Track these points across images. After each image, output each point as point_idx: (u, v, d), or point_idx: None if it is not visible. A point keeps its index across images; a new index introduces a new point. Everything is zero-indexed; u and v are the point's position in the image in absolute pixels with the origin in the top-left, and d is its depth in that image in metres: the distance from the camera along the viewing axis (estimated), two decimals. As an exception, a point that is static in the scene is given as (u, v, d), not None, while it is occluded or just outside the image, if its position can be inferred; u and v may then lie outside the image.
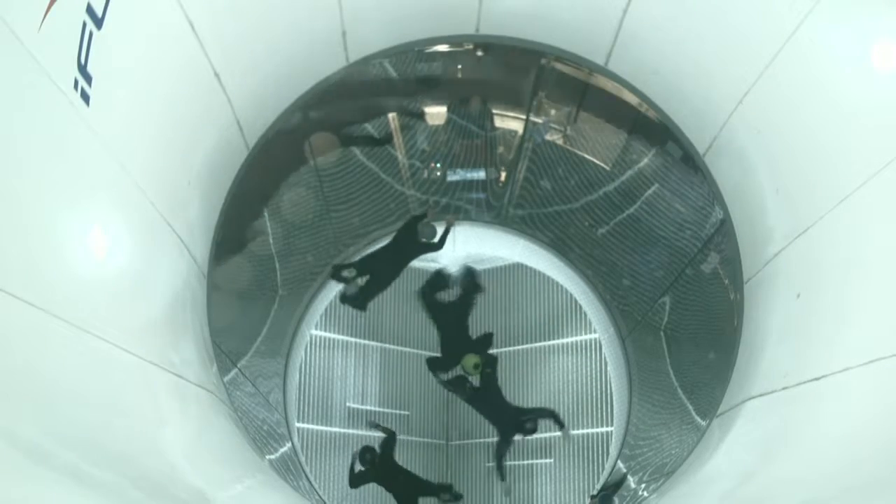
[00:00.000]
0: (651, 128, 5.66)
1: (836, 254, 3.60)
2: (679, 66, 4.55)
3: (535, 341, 10.03)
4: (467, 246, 8.73)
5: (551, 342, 9.93)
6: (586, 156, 6.88)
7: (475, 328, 8.71)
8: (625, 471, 7.39)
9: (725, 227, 5.00)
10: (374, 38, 5.03)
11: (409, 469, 7.58)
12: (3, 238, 2.35)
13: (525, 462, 9.99)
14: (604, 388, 9.39)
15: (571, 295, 9.24)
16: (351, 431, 9.38)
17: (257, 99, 4.68)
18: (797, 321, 3.94)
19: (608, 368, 9.10)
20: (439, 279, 7.38)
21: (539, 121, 6.81)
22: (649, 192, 6.43)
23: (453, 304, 7.46)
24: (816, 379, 3.40)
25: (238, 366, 6.05)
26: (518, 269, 9.97)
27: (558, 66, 5.75)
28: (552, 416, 7.70)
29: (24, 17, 2.40)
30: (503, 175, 7.62)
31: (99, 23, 2.83)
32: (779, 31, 3.66)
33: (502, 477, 7.77)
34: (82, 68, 2.76)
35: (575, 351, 9.79)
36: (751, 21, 3.86)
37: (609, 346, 8.56)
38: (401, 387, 10.14)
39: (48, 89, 2.57)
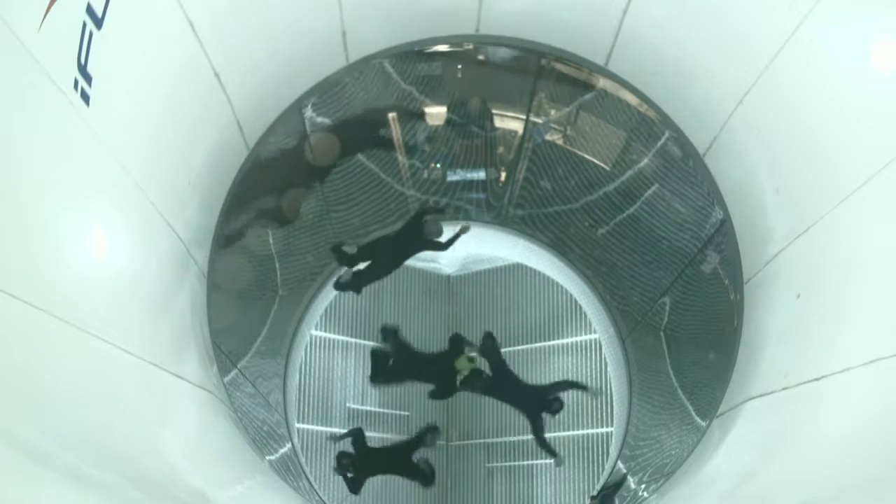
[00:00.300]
0: (651, 128, 5.66)
1: (836, 254, 3.60)
2: (679, 66, 4.55)
3: (535, 341, 10.03)
4: (467, 246, 8.73)
5: (551, 342, 9.93)
6: (586, 156, 6.88)
7: (475, 329, 8.72)
8: (625, 471, 7.38)
9: (725, 227, 5.00)
10: (374, 38, 5.03)
11: (385, 445, 7.52)
12: (3, 238, 2.35)
13: (525, 462, 10.00)
14: (604, 389, 9.40)
15: (571, 295, 9.24)
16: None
17: (257, 99, 4.68)
18: (797, 321, 3.94)
19: (608, 368, 9.10)
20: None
21: (539, 121, 6.81)
22: (649, 192, 6.43)
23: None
24: (816, 379, 3.40)
25: (238, 366, 6.05)
26: (518, 269, 9.98)
27: (558, 66, 5.75)
28: (572, 385, 7.63)
29: (24, 17, 2.40)
30: (503, 175, 7.61)
31: (99, 23, 2.83)
32: (779, 31, 3.66)
33: (553, 453, 7.68)
34: (82, 68, 2.76)
35: (575, 351, 9.80)
36: (751, 21, 3.86)
37: (609, 347, 8.55)
38: (401, 387, 10.13)
39: (48, 89, 2.57)
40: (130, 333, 3.24)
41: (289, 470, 6.92)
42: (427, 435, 7.43)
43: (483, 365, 7.26)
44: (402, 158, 7.36)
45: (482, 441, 10.24)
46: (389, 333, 7.13)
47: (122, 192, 3.28)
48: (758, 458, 3.77)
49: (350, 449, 7.21)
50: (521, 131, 6.93)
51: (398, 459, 7.32)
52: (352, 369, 9.92)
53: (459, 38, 5.27)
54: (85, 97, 2.79)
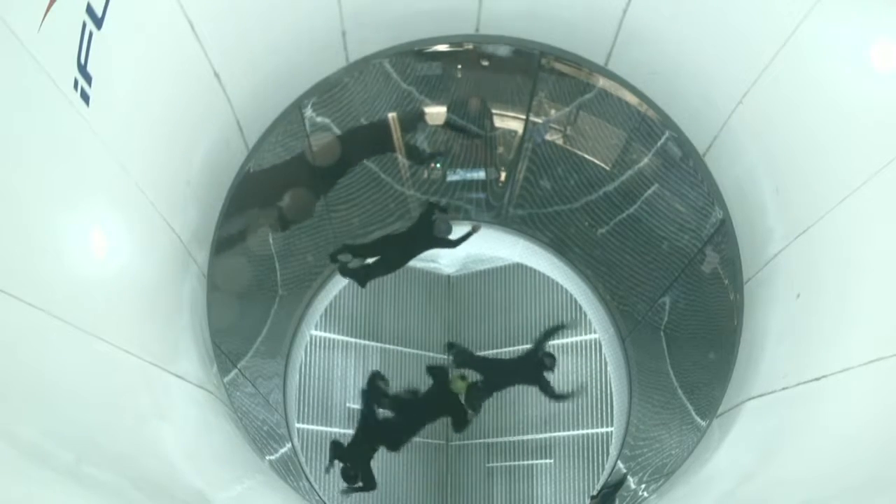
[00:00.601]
0: (651, 128, 5.66)
1: (835, 254, 3.60)
2: (679, 66, 4.55)
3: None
4: (467, 246, 8.71)
5: (551, 342, 9.92)
6: (586, 156, 6.88)
7: (475, 329, 8.73)
8: (625, 471, 7.39)
9: (725, 227, 5.00)
10: (374, 38, 5.03)
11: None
12: (4, 238, 2.35)
13: (525, 462, 10.01)
14: (604, 388, 9.40)
15: (571, 295, 9.24)
16: (351, 432, 9.37)
17: (257, 99, 4.68)
18: (797, 321, 3.94)
19: (608, 368, 9.10)
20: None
21: (539, 121, 6.81)
22: (649, 192, 6.43)
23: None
24: (816, 379, 3.40)
25: (238, 366, 6.05)
26: (518, 269, 9.98)
27: (558, 65, 5.75)
28: (551, 334, 7.69)
29: (24, 17, 2.40)
30: (503, 175, 7.61)
31: (99, 23, 2.83)
32: (779, 31, 3.66)
33: (565, 397, 7.76)
34: (82, 68, 2.76)
35: (575, 351, 9.80)
36: (751, 21, 3.86)
37: (609, 347, 8.56)
38: (401, 387, 10.12)
39: (48, 89, 2.57)
40: (130, 333, 3.24)
41: (289, 470, 6.92)
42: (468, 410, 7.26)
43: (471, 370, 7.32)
44: (401, 158, 7.36)
45: (482, 441, 10.24)
46: (385, 400, 7.12)
47: (122, 193, 3.28)
48: (758, 458, 3.76)
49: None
50: (520, 131, 6.93)
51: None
52: (352, 369, 9.92)
53: (459, 38, 5.27)
54: (85, 97, 2.79)
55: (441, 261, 10.16)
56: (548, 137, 6.96)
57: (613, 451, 8.50)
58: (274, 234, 6.87)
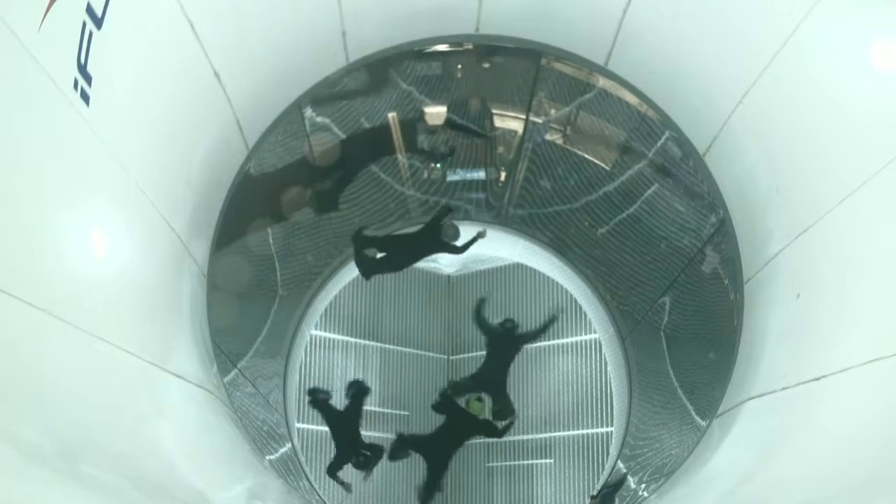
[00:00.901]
0: (651, 128, 5.66)
1: (835, 253, 3.60)
2: (679, 66, 4.55)
3: (535, 341, 10.03)
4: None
5: (551, 342, 9.93)
6: (586, 156, 6.88)
7: (476, 329, 8.70)
8: (625, 471, 7.39)
9: (725, 227, 4.99)
10: (374, 38, 5.03)
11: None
12: (4, 238, 2.34)
13: (525, 462, 10.00)
14: (604, 388, 9.40)
15: (571, 295, 9.24)
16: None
17: (257, 99, 4.68)
18: (797, 321, 3.94)
19: (608, 368, 9.10)
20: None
21: (539, 121, 6.81)
22: (649, 192, 6.43)
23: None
24: (816, 379, 3.40)
25: (238, 366, 6.05)
26: (518, 269, 9.98)
27: (558, 65, 5.75)
28: (549, 323, 7.63)
29: (24, 17, 2.40)
30: (503, 175, 7.62)
31: (99, 23, 2.83)
32: (779, 31, 3.66)
33: (550, 323, 7.74)
34: (82, 68, 2.76)
35: (575, 351, 9.80)
36: (751, 21, 3.86)
37: (609, 347, 8.56)
38: (401, 387, 10.14)
39: (48, 89, 2.57)
40: (130, 333, 3.24)
41: (289, 470, 6.92)
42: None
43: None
44: (401, 158, 7.36)
45: (482, 441, 10.23)
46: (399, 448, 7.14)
47: (122, 192, 3.28)
48: (758, 458, 3.76)
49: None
50: (521, 131, 6.93)
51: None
52: (352, 369, 9.92)
53: (459, 37, 5.27)
54: (85, 97, 2.79)
55: (441, 261, 10.16)
56: (548, 137, 6.97)
57: (613, 451, 8.50)
58: (274, 233, 6.87)
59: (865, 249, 3.35)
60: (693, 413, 5.91)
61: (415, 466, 9.90)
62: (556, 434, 9.70)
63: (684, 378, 6.48)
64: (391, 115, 6.84)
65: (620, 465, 7.67)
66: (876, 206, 3.26)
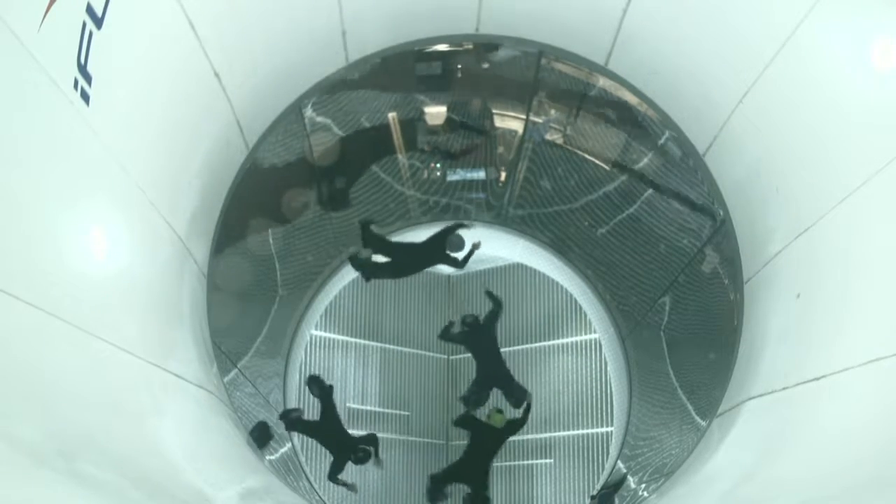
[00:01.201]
0: (651, 128, 5.66)
1: (836, 253, 3.60)
2: (679, 66, 4.55)
3: (535, 341, 10.04)
4: (468, 246, 8.72)
5: (551, 342, 9.94)
6: (586, 156, 6.88)
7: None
8: (625, 471, 7.39)
9: (725, 227, 4.99)
10: (374, 38, 5.03)
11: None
12: (4, 238, 2.35)
13: (525, 462, 10.00)
14: (604, 388, 9.40)
15: (571, 295, 9.25)
16: (350, 432, 9.37)
17: (257, 99, 4.68)
18: (797, 321, 3.94)
19: (608, 368, 9.10)
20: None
21: (539, 121, 6.81)
22: (649, 192, 6.43)
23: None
24: (816, 379, 3.40)
25: (238, 366, 6.05)
26: (518, 269, 9.98)
27: (558, 65, 5.75)
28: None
29: (24, 17, 2.40)
30: (503, 175, 7.62)
31: (99, 23, 2.83)
32: (779, 31, 3.66)
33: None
34: (82, 68, 2.76)
35: (575, 351, 9.80)
36: (751, 21, 3.86)
37: (609, 346, 8.56)
38: (401, 387, 10.15)
39: (48, 89, 2.57)
40: (130, 333, 3.24)
41: (289, 470, 6.93)
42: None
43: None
44: (402, 158, 7.36)
45: (482, 441, 10.22)
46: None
47: (122, 193, 3.28)
48: (757, 458, 3.76)
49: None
50: (521, 131, 6.94)
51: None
52: (352, 369, 9.93)
53: (459, 37, 5.27)
54: (85, 97, 2.79)
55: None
56: (548, 137, 6.97)
57: (613, 450, 8.50)
58: (274, 233, 6.88)
59: (866, 249, 3.35)
60: (693, 413, 5.91)
61: (415, 466, 9.93)
62: (556, 434, 9.71)
63: (684, 378, 6.48)
64: (391, 115, 6.84)
65: (620, 465, 7.67)
66: (876, 205, 3.26)
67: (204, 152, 4.30)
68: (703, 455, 4.79)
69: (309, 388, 7.19)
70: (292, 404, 8.11)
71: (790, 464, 3.35)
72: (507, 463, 10.07)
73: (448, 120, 6.96)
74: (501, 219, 8.08)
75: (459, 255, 6.90)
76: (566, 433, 9.60)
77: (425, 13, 4.93)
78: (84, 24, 2.74)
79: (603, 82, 5.55)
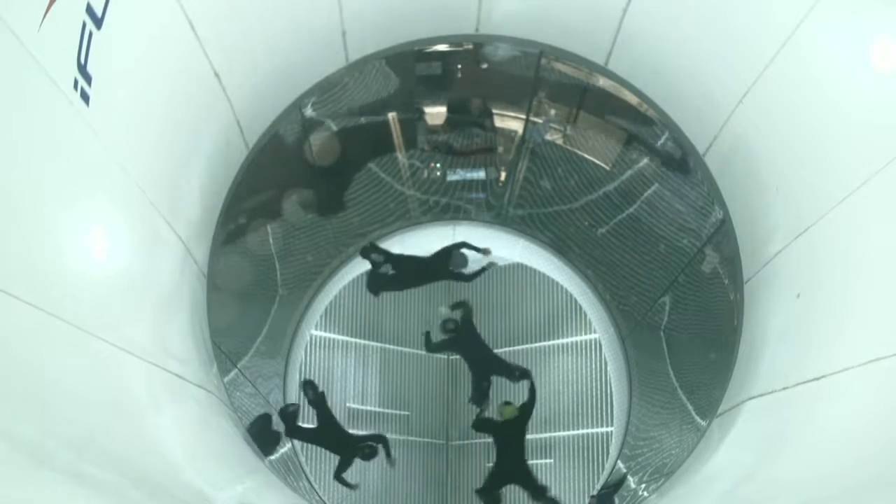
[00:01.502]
0: (651, 128, 5.66)
1: (836, 253, 3.60)
2: (679, 66, 4.55)
3: (535, 341, 10.03)
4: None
5: (551, 342, 9.93)
6: (586, 156, 6.88)
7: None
8: (625, 471, 7.39)
9: (725, 227, 5.00)
10: (374, 37, 5.03)
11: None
12: (4, 238, 2.35)
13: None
14: (604, 388, 9.39)
15: (571, 295, 9.24)
16: (351, 432, 9.37)
17: (257, 99, 4.68)
18: (797, 321, 3.94)
19: (608, 368, 9.10)
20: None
21: (539, 121, 6.81)
22: (649, 192, 6.43)
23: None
24: (816, 379, 3.40)
25: (238, 366, 6.05)
26: (518, 269, 9.97)
27: (558, 65, 5.75)
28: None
29: (24, 17, 2.40)
30: (503, 175, 7.62)
31: (99, 23, 2.83)
32: (779, 31, 3.66)
33: (475, 275, 7.60)
34: (82, 68, 2.76)
35: (575, 351, 9.80)
36: (750, 21, 3.86)
37: (609, 346, 8.56)
38: (401, 387, 10.14)
39: (48, 89, 2.57)
40: (130, 333, 3.24)
41: (289, 470, 6.92)
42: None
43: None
44: (402, 158, 7.36)
45: (482, 441, 10.23)
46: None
47: (122, 193, 3.28)
48: (757, 457, 3.76)
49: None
50: (521, 131, 6.94)
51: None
52: (352, 369, 9.92)
53: (459, 37, 5.27)
54: (85, 97, 2.79)
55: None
56: (548, 137, 6.96)
57: (613, 450, 8.50)
58: (274, 233, 6.88)
59: (866, 249, 3.35)
60: (693, 413, 5.91)
61: (415, 466, 9.92)
62: (556, 434, 9.70)
63: (684, 378, 6.48)
64: (391, 115, 6.84)
65: (620, 464, 7.67)
66: (876, 205, 3.26)
67: (204, 152, 4.30)
68: (703, 455, 4.79)
69: (304, 391, 7.30)
70: (292, 404, 8.12)
71: (790, 464, 3.35)
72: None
73: (448, 120, 6.96)
74: (501, 219, 8.08)
75: (464, 270, 7.07)
76: (566, 433, 9.59)
77: (425, 13, 4.93)
78: (84, 25, 2.74)
79: (603, 82, 5.54)
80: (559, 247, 8.04)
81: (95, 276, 3.04)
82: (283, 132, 5.46)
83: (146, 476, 2.87)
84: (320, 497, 7.83)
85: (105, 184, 3.12)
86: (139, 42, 3.28)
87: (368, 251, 7.24)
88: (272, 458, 6.38)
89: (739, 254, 4.86)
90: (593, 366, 9.58)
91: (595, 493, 7.80)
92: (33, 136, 2.54)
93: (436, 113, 6.92)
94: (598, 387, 9.49)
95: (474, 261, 7.39)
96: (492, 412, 7.32)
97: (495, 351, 8.00)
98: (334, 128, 6.44)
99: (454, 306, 7.35)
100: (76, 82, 2.73)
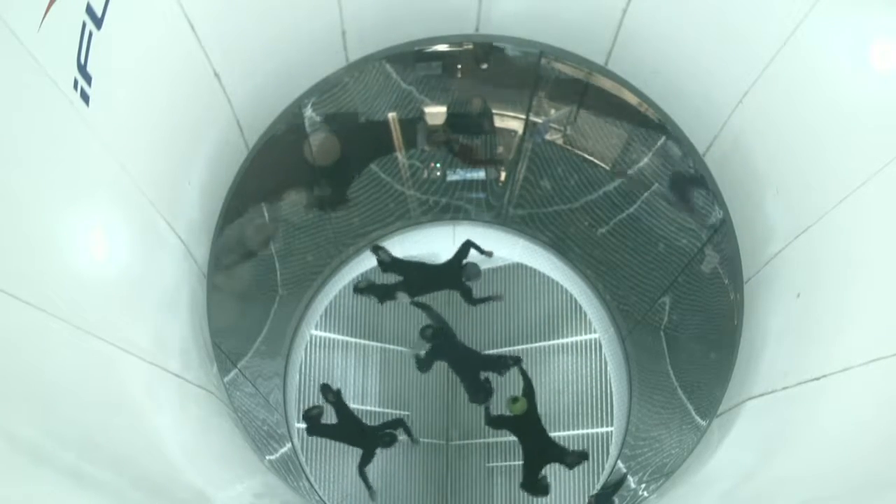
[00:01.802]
0: (651, 128, 5.66)
1: (836, 253, 3.60)
2: (679, 66, 4.55)
3: (535, 341, 10.04)
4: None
5: (551, 342, 9.93)
6: (586, 156, 6.88)
7: (476, 329, 8.74)
8: (625, 471, 7.39)
9: (725, 227, 5.00)
10: (374, 38, 5.03)
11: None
12: (3, 238, 2.35)
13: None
14: (604, 388, 9.40)
15: (571, 295, 9.24)
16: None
17: (257, 99, 4.68)
18: (797, 321, 3.94)
19: (608, 368, 9.10)
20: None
21: (539, 121, 6.81)
22: (649, 192, 6.43)
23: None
24: (816, 379, 3.40)
25: (238, 366, 6.05)
26: (518, 269, 9.98)
27: (558, 65, 5.75)
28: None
29: (24, 17, 2.40)
30: (503, 175, 7.62)
31: (99, 23, 2.83)
32: (779, 31, 3.66)
33: (484, 300, 7.64)
34: (82, 68, 2.76)
35: (575, 351, 9.80)
36: (751, 21, 3.86)
37: (609, 346, 8.56)
38: (401, 387, 10.14)
39: (48, 89, 2.57)
40: (130, 333, 3.24)
41: (289, 470, 6.92)
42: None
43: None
44: (402, 158, 7.36)
45: (482, 441, 10.24)
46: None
47: (122, 192, 3.28)
48: (758, 457, 3.77)
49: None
50: (521, 131, 6.94)
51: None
52: (352, 369, 9.92)
53: (459, 37, 5.27)
54: (85, 97, 2.79)
55: (441, 261, 10.18)
56: (548, 137, 6.97)
57: (613, 450, 8.50)
58: (274, 233, 6.88)
59: (865, 249, 3.36)
60: (693, 413, 5.91)
61: (415, 466, 9.93)
62: (556, 434, 9.69)
63: (684, 378, 6.48)
64: (391, 115, 6.84)
65: (620, 464, 7.67)
66: (876, 205, 3.26)
67: (204, 152, 4.30)
68: (703, 455, 4.79)
69: (324, 396, 7.40)
70: (292, 404, 8.12)
71: (790, 464, 3.35)
72: (507, 463, 10.08)
73: (448, 120, 6.96)
74: (501, 219, 8.08)
75: (474, 292, 7.08)
76: (566, 433, 9.59)
77: (425, 13, 4.93)
78: (84, 25, 2.74)
79: (603, 82, 5.55)
80: (559, 247, 8.04)
81: (95, 275, 3.04)
82: (283, 132, 5.46)
83: (146, 476, 2.87)
84: (320, 497, 7.83)
85: (105, 184, 3.12)
86: (139, 42, 3.28)
87: (377, 252, 7.25)
88: (272, 458, 6.38)
89: (739, 254, 4.86)
90: (593, 366, 9.58)
91: (595, 492, 7.80)
92: (33, 136, 2.54)
93: (436, 113, 6.92)
94: (598, 387, 9.49)
95: (477, 259, 7.39)
96: (496, 408, 7.30)
97: (494, 351, 8.00)
98: (334, 128, 6.44)
99: (422, 331, 7.34)
100: (76, 82, 2.73)
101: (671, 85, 4.79)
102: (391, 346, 10.21)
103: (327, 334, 9.71)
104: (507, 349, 9.84)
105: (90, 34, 2.78)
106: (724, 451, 4.35)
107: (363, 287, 7.35)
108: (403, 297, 7.34)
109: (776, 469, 3.45)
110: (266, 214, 6.53)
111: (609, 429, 9.16)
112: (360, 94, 6.21)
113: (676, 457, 5.62)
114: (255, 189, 5.52)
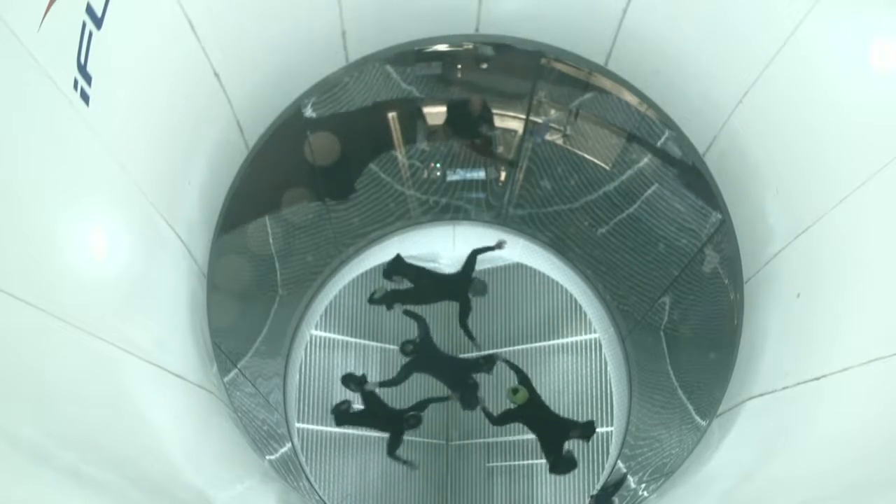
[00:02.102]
0: (651, 128, 5.66)
1: (835, 253, 3.60)
2: (679, 66, 4.55)
3: (535, 341, 10.04)
4: (467, 246, 8.72)
5: (551, 342, 9.94)
6: (586, 156, 6.88)
7: (476, 329, 8.71)
8: (625, 471, 7.39)
9: (725, 227, 5.00)
10: (373, 37, 5.03)
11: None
12: (3, 238, 2.35)
13: (525, 462, 10.00)
14: (604, 388, 9.40)
15: (571, 295, 9.24)
16: (351, 431, 9.38)
17: (257, 99, 4.68)
18: (797, 321, 3.94)
19: (608, 368, 9.10)
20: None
21: (539, 120, 6.81)
22: (649, 192, 6.43)
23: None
24: (816, 379, 3.40)
25: (238, 366, 6.04)
26: (518, 269, 9.99)
27: (558, 65, 5.75)
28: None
29: (24, 17, 2.40)
30: (503, 175, 7.62)
31: (99, 23, 2.83)
32: (779, 31, 3.66)
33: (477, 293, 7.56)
34: (82, 68, 2.76)
35: (575, 351, 9.81)
36: (751, 21, 3.86)
37: (609, 346, 8.56)
38: (400, 386, 10.12)
39: (48, 89, 2.57)
40: (130, 333, 3.24)
41: (289, 470, 6.92)
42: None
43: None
44: (401, 158, 7.36)
45: (482, 441, 10.25)
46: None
47: (122, 192, 3.28)
48: (757, 457, 3.77)
49: None
50: (521, 131, 6.94)
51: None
52: (352, 369, 9.92)
53: (459, 38, 5.27)
54: (85, 97, 2.79)
55: (441, 261, 10.17)
56: (548, 137, 6.97)
57: (613, 450, 8.50)
58: (274, 233, 6.87)
59: (865, 249, 3.35)
60: (693, 413, 5.91)
61: (415, 470, 9.91)
62: (556, 434, 9.69)
63: (684, 378, 6.48)
64: (391, 115, 6.84)
65: (620, 464, 7.67)
66: (876, 205, 3.26)
67: (204, 152, 4.30)
68: (703, 455, 4.79)
69: (346, 386, 7.45)
70: (292, 404, 8.13)
71: (790, 464, 3.35)
72: (507, 463, 10.09)
73: (448, 120, 6.95)
74: (501, 219, 8.08)
75: (476, 296, 7.14)
76: (566, 433, 9.58)
77: (425, 13, 4.94)
78: (84, 24, 2.74)
79: (603, 82, 5.55)
80: (559, 247, 8.04)
81: (95, 275, 3.04)
82: (283, 132, 5.46)
83: (146, 476, 2.87)
84: (320, 497, 7.83)
85: (105, 184, 3.12)
86: (139, 42, 3.28)
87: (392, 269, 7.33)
88: (272, 458, 6.38)
89: (739, 254, 4.86)
90: (593, 366, 9.59)
91: (595, 492, 7.80)
92: (33, 136, 2.54)
93: (436, 113, 6.91)
94: (598, 387, 9.50)
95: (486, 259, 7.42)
96: (496, 407, 7.31)
97: (495, 351, 8.00)
98: (334, 128, 6.44)
99: (403, 346, 7.36)
100: (76, 82, 2.73)
101: (671, 85, 4.79)
102: (391, 347, 10.20)
103: (327, 334, 9.72)
104: (506, 349, 9.84)
105: (90, 34, 2.78)
106: (724, 451, 4.35)
107: (378, 299, 7.41)
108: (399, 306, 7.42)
109: (776, 469, 3.45)
110: (266, 214, 6.53)
111: (609, 429, 9.16)
112: (360, 94, 6.21)
113: (676, 457, 5.62)
114: (255, 189, 5.52)
